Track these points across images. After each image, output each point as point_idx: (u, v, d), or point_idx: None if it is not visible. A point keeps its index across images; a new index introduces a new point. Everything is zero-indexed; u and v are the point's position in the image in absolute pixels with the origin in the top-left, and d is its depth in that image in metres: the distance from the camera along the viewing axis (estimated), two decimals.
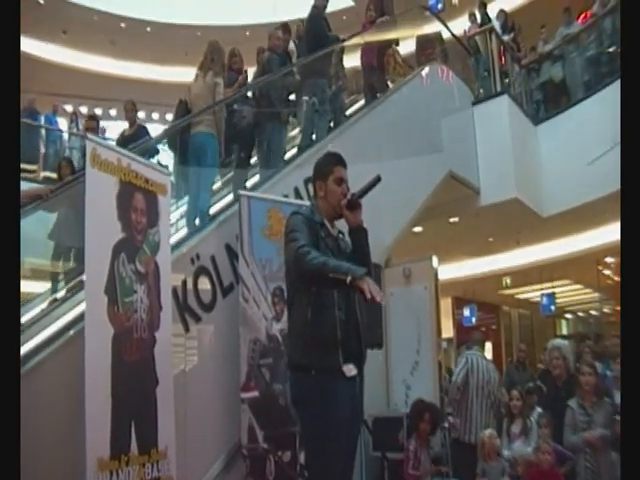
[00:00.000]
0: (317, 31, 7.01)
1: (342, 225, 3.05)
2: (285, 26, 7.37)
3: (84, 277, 3.52)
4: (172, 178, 4.54)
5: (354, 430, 2.91)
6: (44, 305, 4.84)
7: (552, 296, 14.62)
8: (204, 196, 5.39)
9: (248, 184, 5.98)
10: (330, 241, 2.93)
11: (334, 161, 3.06)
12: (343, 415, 2.73)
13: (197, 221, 5.31)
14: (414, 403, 5.64)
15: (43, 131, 10.54)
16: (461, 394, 5.75)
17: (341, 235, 3.08)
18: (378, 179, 2.82)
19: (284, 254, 2.93)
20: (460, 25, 11.85)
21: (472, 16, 11.53)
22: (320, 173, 3.06)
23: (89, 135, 3.73)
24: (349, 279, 2.54)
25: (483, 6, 11.30)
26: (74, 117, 13.33)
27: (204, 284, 4.50)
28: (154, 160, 5.64)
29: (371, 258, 3.00)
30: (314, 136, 6.67)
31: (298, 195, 5.41)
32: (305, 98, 6.82)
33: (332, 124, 6.89)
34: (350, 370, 2.79)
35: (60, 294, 4.90)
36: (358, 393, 2.88)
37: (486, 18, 11.05)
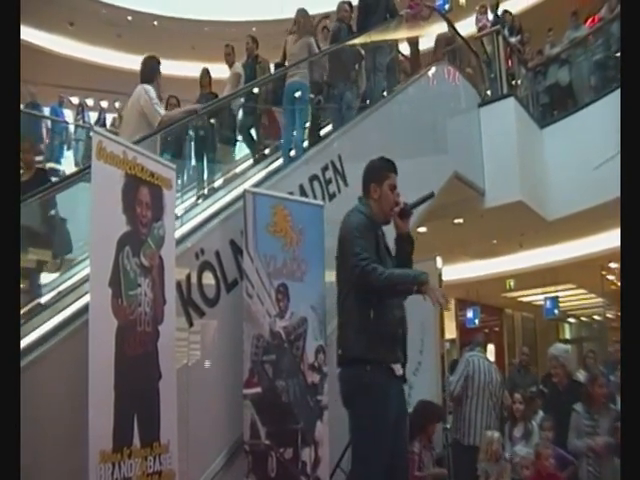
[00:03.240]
0: (389, 3, 7.97)
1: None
2: (349, 3, 8.12)
3: (88, 270, 3.51)
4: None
5: (402, 428, 3.02)
6: (48, 297, 4.84)
7: (555, 300, 14.60)
8: (299, 131, 6.67)
9: (252, 181, 6.02)
10: (384, 242, 3.08)
11: (390, 167, 3.22)
12: (392, 412, 2.85)
13: (292, 152, 6.49)
14: (423, 405, 5.41)
15: (49, 122, 10.47)
16: (461, 397, 5.71)
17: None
18: (432, 195, 3.00)
19: (339, 247, 3.05)
20: (467, 26, 11.81)
21: (483, 7, 11.43)
22: (376, 176, 3.19)
23: (95, 127, 3.71)
24: (415, 288, 2.74)
25: (496, 7, 11.24)
26: (80, 109, 13.32)
27: (208, 279, 4.47)
28: None
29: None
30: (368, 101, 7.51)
31: (303, 192, 5.40)
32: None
33: (385, 93, 7.63)
34: (398, 369, 2.93)
35: (64, 286, 4.90)
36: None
37: (498, 18, 11.00)
